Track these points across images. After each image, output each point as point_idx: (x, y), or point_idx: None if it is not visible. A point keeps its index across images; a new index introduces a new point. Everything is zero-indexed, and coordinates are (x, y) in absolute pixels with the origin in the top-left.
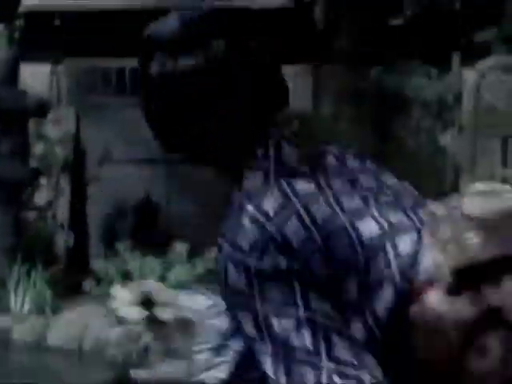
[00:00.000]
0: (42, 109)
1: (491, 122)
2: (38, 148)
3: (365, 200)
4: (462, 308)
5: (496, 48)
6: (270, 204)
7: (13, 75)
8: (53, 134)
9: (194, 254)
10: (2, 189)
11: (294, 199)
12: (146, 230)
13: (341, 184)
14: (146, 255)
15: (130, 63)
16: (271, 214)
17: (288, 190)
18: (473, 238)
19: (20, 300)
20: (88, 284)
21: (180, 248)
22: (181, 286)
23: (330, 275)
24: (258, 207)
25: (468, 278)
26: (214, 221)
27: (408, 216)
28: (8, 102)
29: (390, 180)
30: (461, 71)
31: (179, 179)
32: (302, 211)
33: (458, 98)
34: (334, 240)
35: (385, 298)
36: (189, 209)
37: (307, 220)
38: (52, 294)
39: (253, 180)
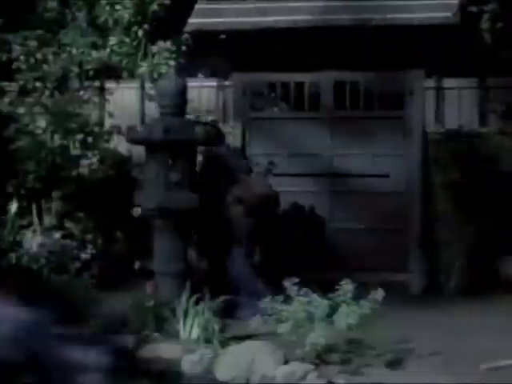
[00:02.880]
0: (209, 139)
1: None
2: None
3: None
4: None
5: None
6: None
7: (181, 105)
8: None
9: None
10: (173, 217)
11: None
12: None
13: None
14: (314, 292)
15: (296, 78)
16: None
17: None
18: None
19: (188, 327)
20: (255, 322)
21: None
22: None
23: None
24: None
25: None
26: (378, 242)
27: None
28: (176, 134)
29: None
30: None
31: (342, 195)
32: None
33: None
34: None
35: None
36: (350, 225)
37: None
38: (220, 325)
39: None
